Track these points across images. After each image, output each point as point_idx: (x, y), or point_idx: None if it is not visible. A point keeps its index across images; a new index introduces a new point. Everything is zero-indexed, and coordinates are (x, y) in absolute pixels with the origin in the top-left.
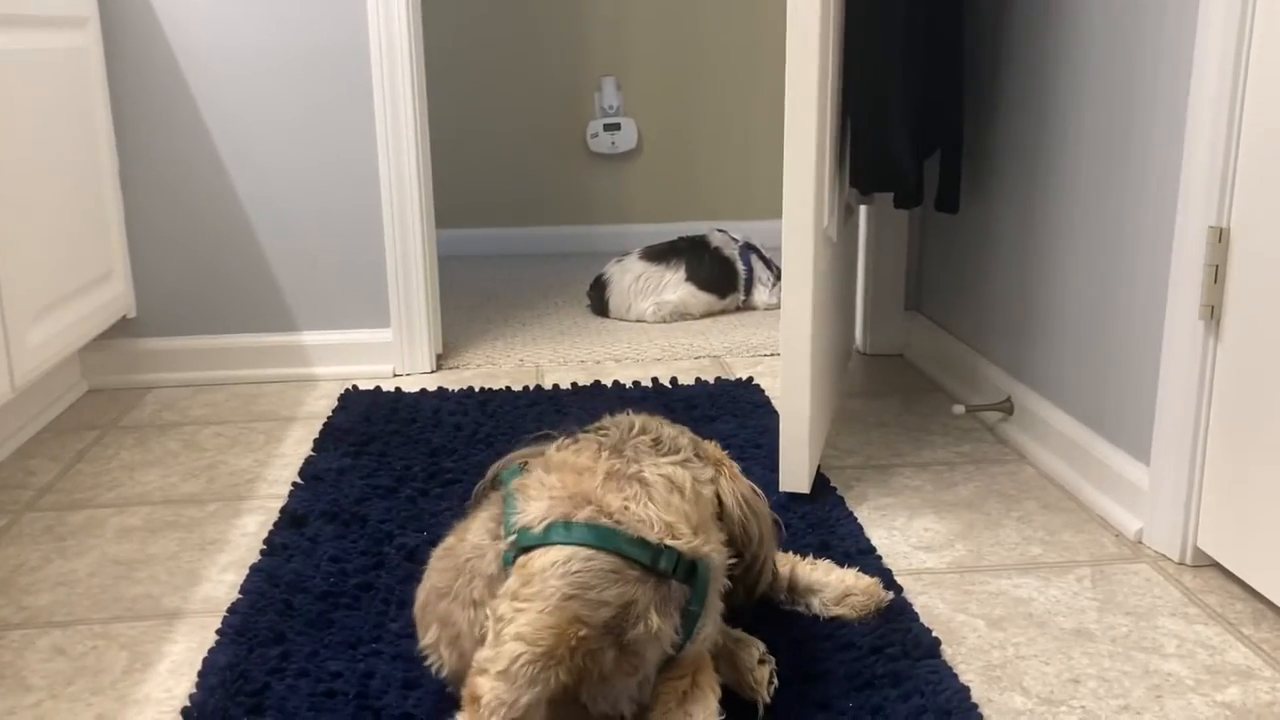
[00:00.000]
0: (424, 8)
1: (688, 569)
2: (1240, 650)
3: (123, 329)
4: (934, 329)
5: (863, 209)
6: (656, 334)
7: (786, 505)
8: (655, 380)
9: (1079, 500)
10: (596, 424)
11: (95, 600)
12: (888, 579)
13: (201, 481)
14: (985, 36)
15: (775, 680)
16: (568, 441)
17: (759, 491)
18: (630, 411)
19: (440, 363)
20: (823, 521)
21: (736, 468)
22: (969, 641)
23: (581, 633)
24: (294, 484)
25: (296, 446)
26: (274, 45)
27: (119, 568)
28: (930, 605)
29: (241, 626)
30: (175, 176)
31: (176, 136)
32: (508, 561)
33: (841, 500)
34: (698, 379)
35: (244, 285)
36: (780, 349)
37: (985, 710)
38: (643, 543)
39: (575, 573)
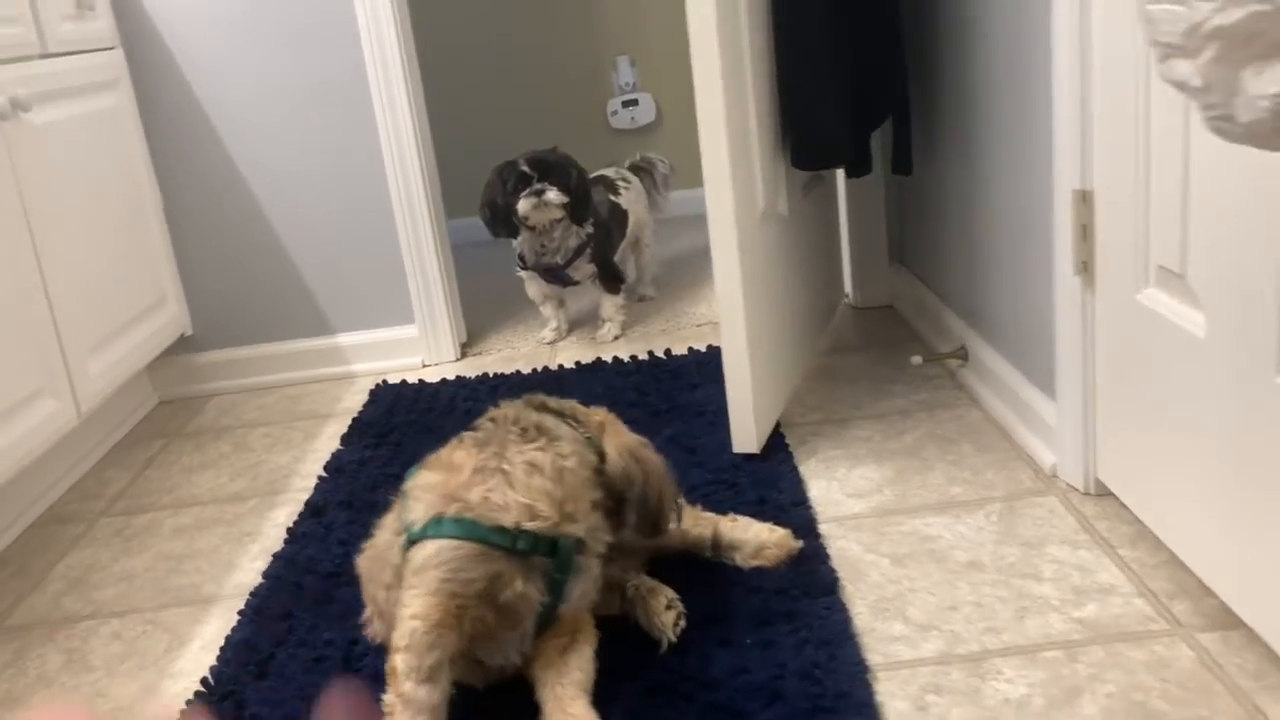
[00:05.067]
0: (439, 1)
1: (549, 545)
2: (1111, 571)
3: (183, 345)
4: (914, 281)
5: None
6: (665, 304)
7: (739, 465)
8: (651, 354)
9: (1012, 440)
10: (489, 413)
11: (148, 592)
12: (810, 527)
13: (246, 480)
14: (923, 6)
15: (682, 622)
16: (455, 441)
17: (646, 443)
18: (518, 398)
19: (465, 350)
20: (767, 478)
21: (620, 425)
22: (870, 579)
23: (459, 603)
24: (319, 477)
25: (329, 442)
26: (281, 79)
27: (170, 562)
28: (845, 548)
29: (259, 607)
30: (213, 207)
31: (210, 171)
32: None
33: (790, 457)
34: (690, 349)
35: (283, 297)
36: (720, 325)
37: (866, 638)
38: (500, 530)
39: (446, 561)
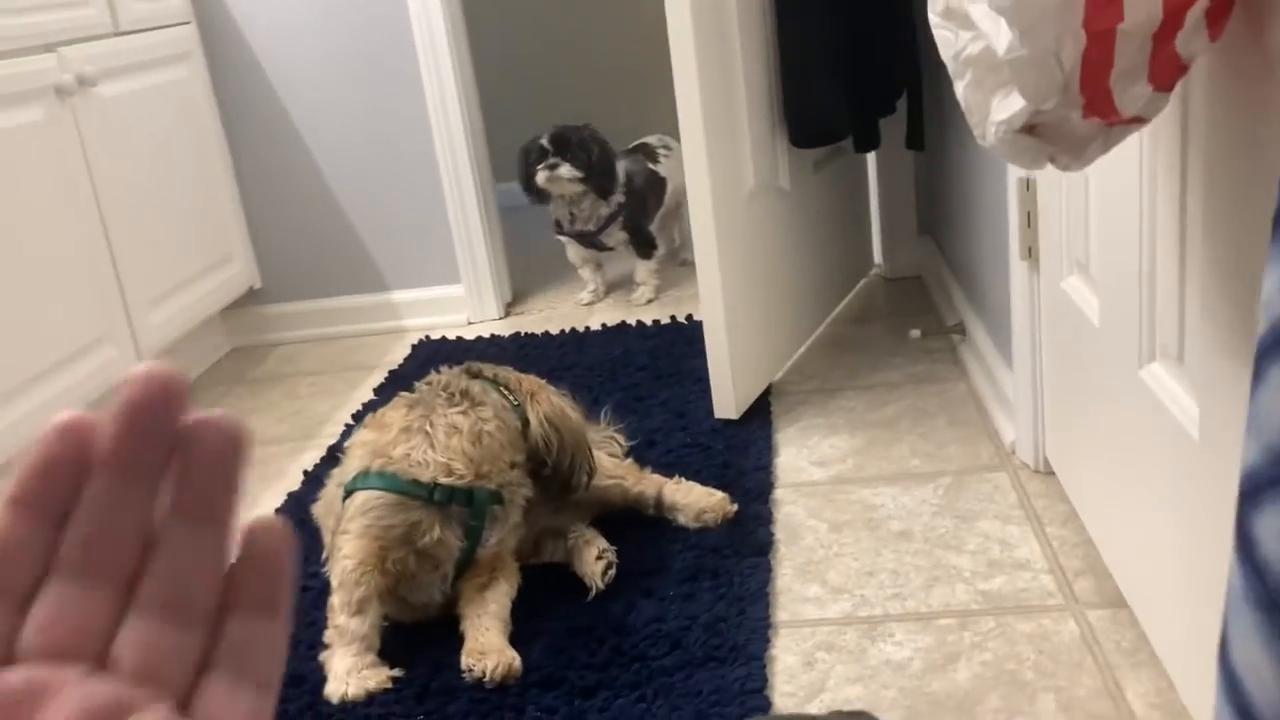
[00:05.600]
0: None
1: (465, 496)
2: (1031, 547)
3: (253, 298)
4: (936, 254)
5: None
6: None
7: (718, 430)
8: (673, 318)
9: (987, 415)
10: (427, 377)
11: None
12: (764, 492)
13: (286, 425)
14: None
15: (612, 571)
16: (394, 401)
17: (571, 411)
18: (452, 366)
19: (509, 309)
20: (740, 444)
21: (549, 392)
22: (804, 542)
23: (381, 545)
24: (346, 424)
25: (367, 392)
26: (339, 49)
27: None
28: (792, 513)
29: None
30: (280, 172)
31: (276, 139)
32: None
33: (769, 424)
34: None
35: (343, 254)
36: (700, 298)
37: (782, 597)
38: (416, 483)
39: (370, 510)
